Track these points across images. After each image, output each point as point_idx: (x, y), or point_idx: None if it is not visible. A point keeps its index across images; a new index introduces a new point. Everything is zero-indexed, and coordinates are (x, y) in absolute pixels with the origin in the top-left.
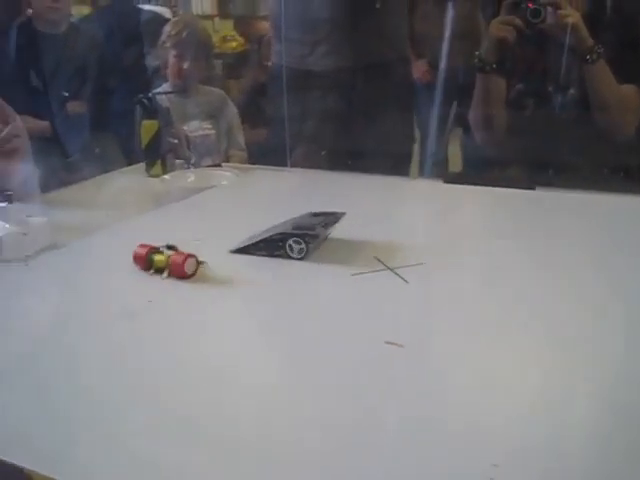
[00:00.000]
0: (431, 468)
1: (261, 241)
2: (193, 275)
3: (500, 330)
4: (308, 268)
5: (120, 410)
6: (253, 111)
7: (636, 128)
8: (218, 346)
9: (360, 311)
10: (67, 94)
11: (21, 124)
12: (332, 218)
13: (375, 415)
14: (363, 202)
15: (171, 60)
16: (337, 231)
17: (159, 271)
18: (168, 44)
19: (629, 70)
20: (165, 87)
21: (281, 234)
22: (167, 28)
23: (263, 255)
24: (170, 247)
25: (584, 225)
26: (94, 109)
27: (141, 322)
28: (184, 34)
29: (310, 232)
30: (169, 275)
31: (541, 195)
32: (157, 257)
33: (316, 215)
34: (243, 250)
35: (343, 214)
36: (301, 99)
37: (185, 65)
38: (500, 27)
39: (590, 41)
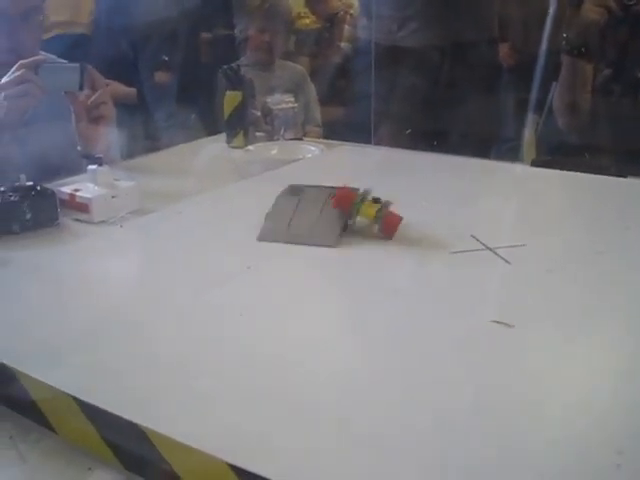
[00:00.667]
0: (556, 455)
1: None
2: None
3: (609, 314)
4: (406, 245)
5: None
6: (327, 89)
7: None
8: (314, 317)
9: (463, 289)
10: (160, 60)
11: (108, 91)
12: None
13: (490, 397)
14: (451, 183)
15: (252, 32)
16: (429, 210)
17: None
18: (252, 17)
19: None
20: (244, 60)
21: None
22: (252, 1)
23: None
24: (376, 200)
25: None
26: (180, 78)
27: (237, 287)
28: (266, 6)
29: None
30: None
31: (633, 183)
32: (366, 208)
33: None
34: None
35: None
36: (387, 76)
37: (266, 38)
38: (592, 9)
39: None
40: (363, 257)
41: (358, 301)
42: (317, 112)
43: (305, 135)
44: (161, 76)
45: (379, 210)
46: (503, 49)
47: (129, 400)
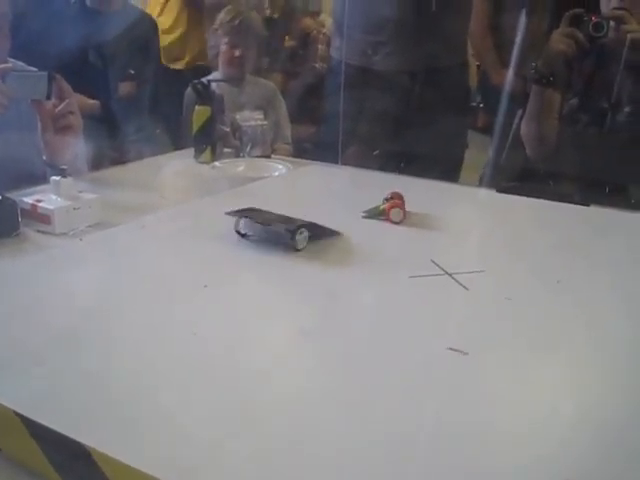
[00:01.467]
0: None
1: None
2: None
3: (564, 341)
4: (367, 268)
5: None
6: (299, 108)
7: None
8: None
9: (420, 315)
10: (125, 72)
11: (76, 101)
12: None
13: (440, 425)
14: (416, 205)
15: (223, 48)
16: (391, 233)
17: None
18: (220, 31)
19: None
20: (216, 75)
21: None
22: (221, 15)
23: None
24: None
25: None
26: (145, 91)
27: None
28: (237, 22)
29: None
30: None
31: (595, 212)
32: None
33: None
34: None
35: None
36: (359, 97)
37: (237, 53)
38: (561, 39)
39: None
40: (322, 278)
41: (315, 323)
42: (287, 129)
43: (274, 152)
44: (126, 87)
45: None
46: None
47: (74, 418)
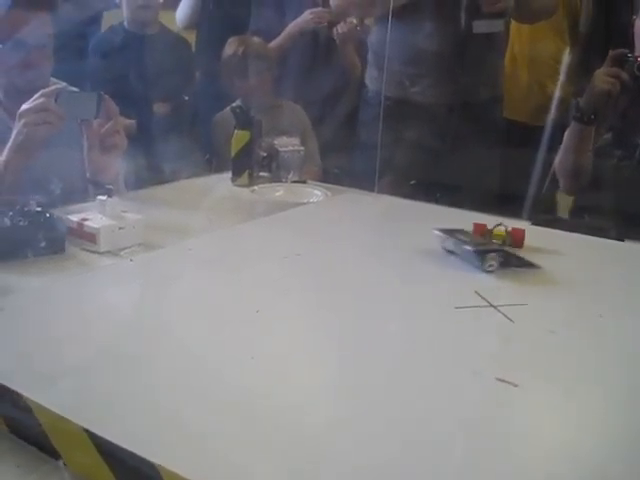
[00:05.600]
0: None
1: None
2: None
3: (609, 378)
4: (411, 300)
5: None
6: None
7: None
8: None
9: (467, 346)
10: (158, 96)
11: (121, 121)
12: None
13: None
14: None
15: (236, 80)
16: (430, 261)
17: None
18: (229, 65)
19: None
20: (239, 103)
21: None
22: (225, 51)
23: None
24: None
25: None
26: (181, 112)
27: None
28: (241, 51)
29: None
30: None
31: (630, 247)
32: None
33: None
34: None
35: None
36: (394, 127)
37: (252, 82)
38: (605, 79)
39: None
40: (375, 310)
41: (364, 353)
42: (316, 151)
43: (306, 173)
44: (160, 108)
45: (506, 230)
46: None
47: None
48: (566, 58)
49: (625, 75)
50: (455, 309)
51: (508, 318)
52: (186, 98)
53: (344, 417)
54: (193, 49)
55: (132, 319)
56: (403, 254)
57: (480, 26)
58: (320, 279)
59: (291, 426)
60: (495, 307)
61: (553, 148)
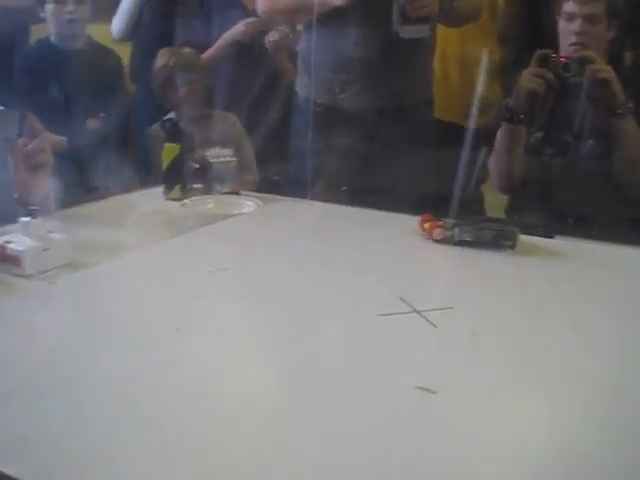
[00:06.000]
0: None
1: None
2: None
3: (531, 378)
4: (335, 306)
5: None
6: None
7: None
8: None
9: (389, 353)
10: (88, 111)
11: (47, 138)
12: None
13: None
14: (382, 240)
15: (169, 92)
16: (357, 268)
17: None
18: (161, 77)
19: None
20: (172, 115)
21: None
22: (157, 61)
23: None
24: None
25: (601, 276)
26: (112, 127)
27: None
28: (172, 62)
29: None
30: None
31: (559, 244)
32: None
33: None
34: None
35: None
36: (325, 134)
37: (184, 93)
38: (531, 79)
39: (622, 96)
40: (299, 322)
41: (287, 368)
42: (253, 162)
43: (241, 184)
44: (93, 124)
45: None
46: None
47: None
48: (496, 59)
49: (550, 75)
50: (378, 317)
51: (431, 323)
52: (102, 114)
53: (268, 433)
54: (123, 62)
55: (46, 349)
56: (329, 262)
57: (407, 31)
58: (245, 293)
59: (211, 445)
60: (419, 312)
61: (481, 148)
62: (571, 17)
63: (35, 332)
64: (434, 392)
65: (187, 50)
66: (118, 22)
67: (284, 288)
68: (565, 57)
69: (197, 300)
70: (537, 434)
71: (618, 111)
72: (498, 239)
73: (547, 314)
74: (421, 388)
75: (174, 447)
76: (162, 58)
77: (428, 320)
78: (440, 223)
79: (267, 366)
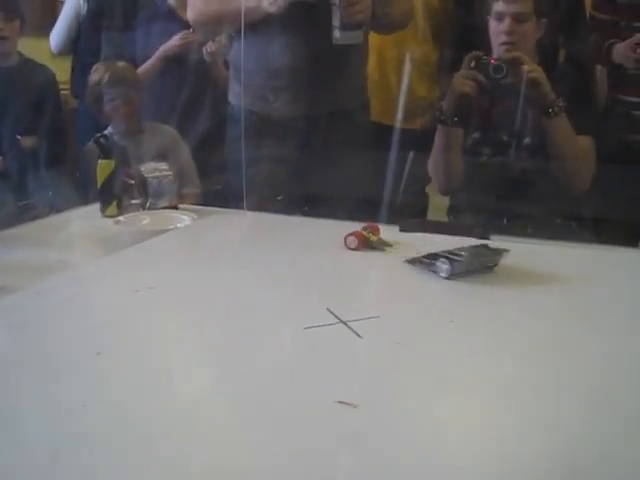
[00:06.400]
0: None
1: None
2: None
3: (454, 387)
4: (260, 319)
5: None
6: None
7: (591, 179)
8: None
9: (312, 367)
10: (21, 129)
11: None
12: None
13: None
14: (313, 249)
15: (104, 106)
16: (288, 280)
17: None
18: (95, 91)
19: (583, 121)
20: (109, 130)
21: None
22: (91, 76)
23: None
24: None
25: (535, 274)
26: (46, 145)
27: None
28: (107, 77)
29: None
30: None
31: (496, 244)
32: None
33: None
34: None
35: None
36: (260, 143)
37: (119, 107)
38: (462, 81)
39: (552, 95)
40: (224, 337)
41: (207, 379)
42: (194, 173)
43: (183, 198)
44: (26, 142)
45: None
46: None
47: None
48: (433, 60)
49: (481, 77)
50: (304, 329)
51: (357, 334)
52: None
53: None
54: (59, 77)
55: None
56: (258, 274)
57: (340, 38)
58: (170, 311)
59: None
60: (345, 323)
61: (421, 150)
62: (501, 16)
63: None
64: (355, 406)
65: (121, 64)
66: (56, 36)
67: (210, 303)
68: (496, 58)
69: (120, 321)
70: (463, 443)
71: (549, 110)
72: None
73: (470, 318)
74: (341, 402)
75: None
76: (96, 73)
77: (354, 331)
78: (358, 232)
79: (189, 384)
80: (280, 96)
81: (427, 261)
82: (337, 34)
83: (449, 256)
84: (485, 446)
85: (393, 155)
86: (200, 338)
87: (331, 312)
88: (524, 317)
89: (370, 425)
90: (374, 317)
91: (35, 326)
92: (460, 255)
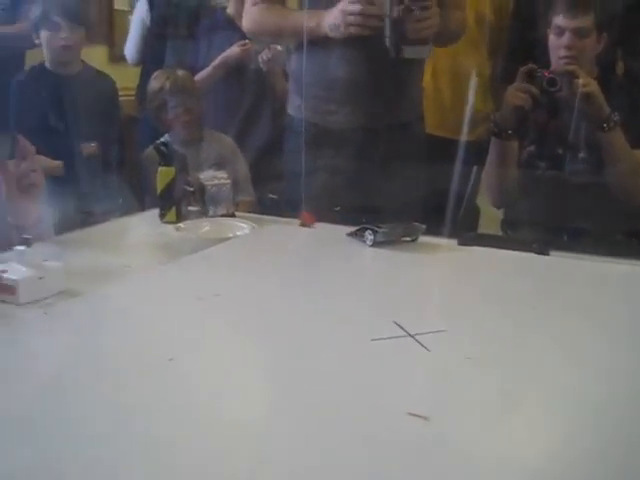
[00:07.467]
0: None
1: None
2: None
3: (526, 401)
4: (328, 331)
5: None
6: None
7: None
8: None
9: (381, 379)
10: (83, 136)
11: (37, 159)
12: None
13: None
14: (375, 262)
15: (164, 114)
16: (352, 292)
17: None
18: (156, 99)
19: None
20: (167, 138)
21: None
22: (151, 84)
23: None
24: None
25: (597, 293)
26: (108, 152)
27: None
28: (168, 85)
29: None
30: None
31: (555, 261)
32: None
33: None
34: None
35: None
36: (319, 154)
37: (179, 115)
38: (516, 95)
39: (607, 109)
40: (294, 349)
41: (278, 389)
42: (248, 183)
43: (237, 207)
44: (88, 149)
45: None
46: None
47: None
48: (487, 73)
49: (535, 90)
50: (372, 341)
51: (424, 347)
52: (96, 139)
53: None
54: (118, 85)
55: (39, 381)
56: (322, 286)
57: (409, 52)
58: (237, 320)
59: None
60: (412, 336)
61: (478, 162)
62: (561, 31)
63: (31, 362)
64: (426, 418)
65: (181, 72)
66: (132, 48)
67: (277, 314)
68: (550, 71)
69: (189, 328)
70: (536, 458)
71: (604, 125)
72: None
73: (539, 334)
74: (412, 414)
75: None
76: (157, 81)
77: (421, 344)
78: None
79: (261, 394)
80: (340, 108)
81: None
82: (403, 49)
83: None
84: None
85: (447, 167)
86: (268, 347)
87: (398, 325)
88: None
89: (443, 438)
90: (441, 331)
91: (104, 330)
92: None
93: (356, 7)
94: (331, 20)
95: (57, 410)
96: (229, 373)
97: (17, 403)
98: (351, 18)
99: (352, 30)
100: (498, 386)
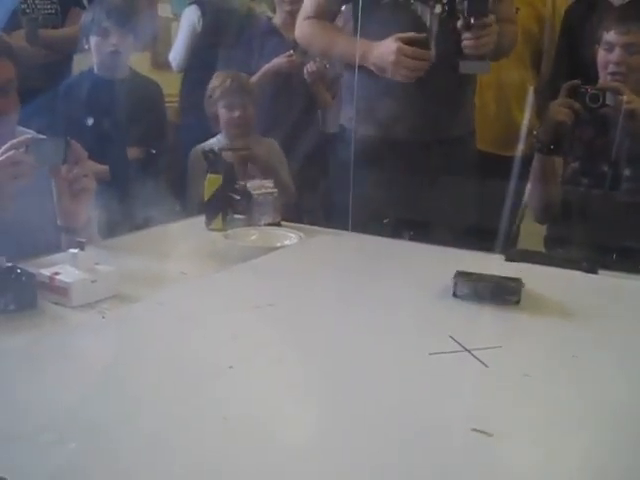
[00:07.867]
0: None
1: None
2: None
3: (586, 420)
4: (384, 345)
5: None
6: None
7: None
8: None
9: (441, 394)
10: (130, 140)
11: (90, 164)
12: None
13: None
14: (426, 274)
15: (221, 111)
16: (406, 306)
17: None
18: (215, 96)
19: None
20: (219, 138)
21: None
22: (212, 81)
23: None
24: None
25: None
26: (154, 157)
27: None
28: (229, 83)
29: None
30: None
31: (603, 279)
32: None
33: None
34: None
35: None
36: (371, 166)
37: (236, 114)
38: (559, 110)
39: None
40: (350, 360)
41: (341, 406)
42: (289, 182)
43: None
44: (134, 153)
45: None
46: None
47: None
48: (532, 88)
49: (578, 106)
50: (429, 355)
51: (482, 363)
52: (143, 144)
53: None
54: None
55: (103, 383)
56: (376, 299)
57: (467, 67)
58: (294, 330)
59: None
60: (469, 351)
61: (524, 178)
62: (611, 47)
63: (94, 366)
64: (490, 435)
65: (242, 74)
66: (178, 55)
67: (332, 326)
68: (593, 87)
69: (248, 336)
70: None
71: None
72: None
73: (595, 352)
74: (476, 430)
75: None
76: (218, 79)
77: (479, 359)
78: None
79: (317, 408)
80: (396, 122)
81: None
82: (461, 64)
83: None
84: None
85: (492, 182)
86: (325, 358)
87: (454, 339)
88: None
89: (509, 455)
90: (497, 347)
91: (161, 337)
92: None
93: (409, 51)
94: (381, 51)
95: (120, 412)
96: (287, 384)
97: (84, 407)
98: (403, 59)
99: (402, 74)
100: (557, 403)
